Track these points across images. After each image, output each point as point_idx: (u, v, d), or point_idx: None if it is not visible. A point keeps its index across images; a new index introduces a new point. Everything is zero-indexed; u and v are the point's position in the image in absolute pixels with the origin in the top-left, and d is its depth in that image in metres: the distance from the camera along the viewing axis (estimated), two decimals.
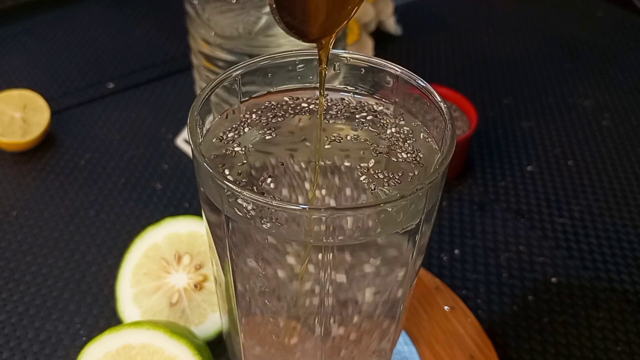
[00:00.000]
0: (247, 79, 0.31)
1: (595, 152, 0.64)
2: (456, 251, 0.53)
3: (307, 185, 0.28)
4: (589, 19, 0.89)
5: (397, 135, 0.31)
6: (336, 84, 0.33)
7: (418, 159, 0.29)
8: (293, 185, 0.28)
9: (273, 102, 0.32)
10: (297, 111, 0.32)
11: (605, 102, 0.72)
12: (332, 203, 0.28)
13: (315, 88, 0.33)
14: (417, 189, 0.25)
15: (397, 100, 0.32)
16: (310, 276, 0.27)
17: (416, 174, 0.29)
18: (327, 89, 0.33)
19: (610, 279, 0.51)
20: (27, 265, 0.51)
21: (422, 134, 0.31)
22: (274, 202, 0.25)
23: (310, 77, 0.33)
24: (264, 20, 0.49)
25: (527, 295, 0.49)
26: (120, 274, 0.45)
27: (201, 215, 0.32)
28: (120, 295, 0.44)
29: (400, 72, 0.31)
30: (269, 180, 0.28)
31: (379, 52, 0.77)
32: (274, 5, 0.25)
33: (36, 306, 0.48)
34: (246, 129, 0.31)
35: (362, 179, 0.28)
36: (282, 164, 0.29)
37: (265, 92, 0.33)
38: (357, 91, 0.33)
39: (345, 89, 0.33)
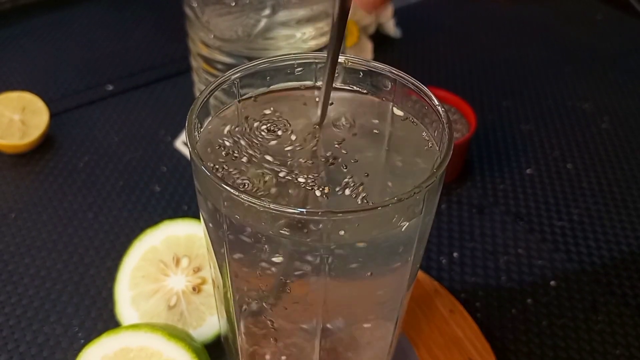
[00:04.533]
0: (245, 81, 0.31)
1: (594, 155, 0.64)
2: (455, 254, 0.53)
3: (302, 181, 0.28)
4: (588, 22, 0.89)
5: (396, 139, 0.31)
6: (335, 85, 0.33)
7: (416, 162, 0.29)
8: (291, 187, 0.28)
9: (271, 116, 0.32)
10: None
11: (605, 105, 0.72)
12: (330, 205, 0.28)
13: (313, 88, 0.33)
14: (414, 192, 0.25)
15: (395, 103, 0.32)
16: (307, 278, 0.27)
17: (414, 177, 0.29)
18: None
19: (609, 283, 0.51)
20: (25, 267, 0.51)
21: (422, 133, 0.31)
22: (271, 206, 0.25)
23: (309, 80, 0.33)
24: (262, 23, 0.49)
25: (526, 299, 0.49)
26: (119, 276, 0.45)
27: (199, 218, 0.32)
28: (118, 297, 0.44)
29: (398, 76, 0.31)
30: (266, 181, 0.28)
31: (378, 55, 0.77)
32: None
33: (34, 309, 0.48)
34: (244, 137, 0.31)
35: (361, 180, 0.28)
36: (281, 165, 0.29)
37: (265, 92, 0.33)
38: (355, 89, 0.33)
39: (345, 88, 0.33)
